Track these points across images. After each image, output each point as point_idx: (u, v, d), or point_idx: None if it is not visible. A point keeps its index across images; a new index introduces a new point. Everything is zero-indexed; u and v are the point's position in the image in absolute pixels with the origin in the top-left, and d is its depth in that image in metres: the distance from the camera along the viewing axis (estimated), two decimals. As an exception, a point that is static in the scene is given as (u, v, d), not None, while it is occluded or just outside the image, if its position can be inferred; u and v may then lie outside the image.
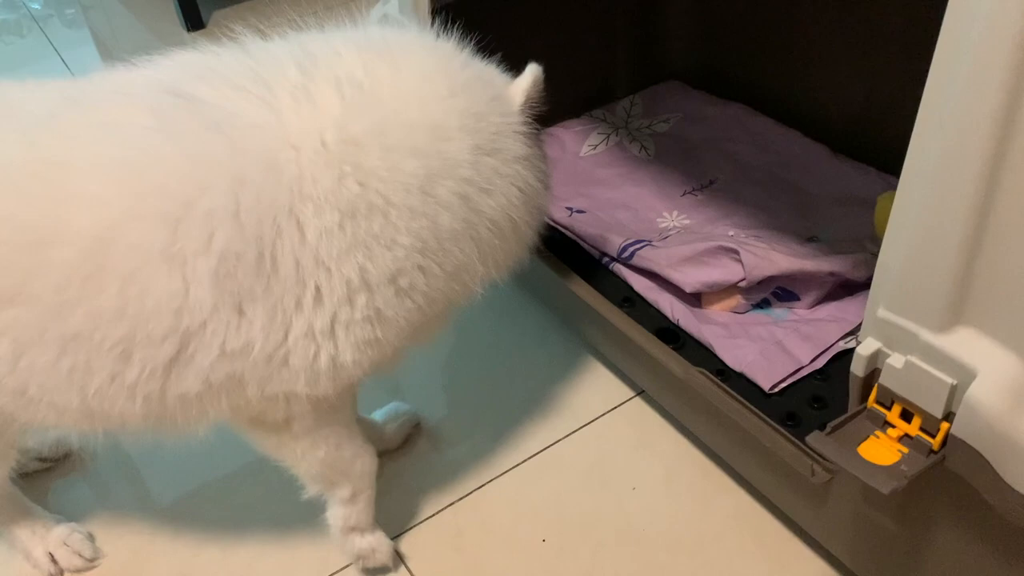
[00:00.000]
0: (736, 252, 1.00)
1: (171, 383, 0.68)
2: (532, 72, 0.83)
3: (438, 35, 0.82)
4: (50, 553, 0.94)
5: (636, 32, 1.39)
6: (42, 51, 2.18)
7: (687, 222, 1.16)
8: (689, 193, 1.21)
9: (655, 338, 0.97)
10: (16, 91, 0.73)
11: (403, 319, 0.73)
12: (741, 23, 1.32)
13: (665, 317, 1.03)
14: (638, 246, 1.07)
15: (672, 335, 1.01)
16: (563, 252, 1.12)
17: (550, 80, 1.33)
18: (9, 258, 0.64)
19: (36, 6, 2.51)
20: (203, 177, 0.65)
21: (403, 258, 0.70)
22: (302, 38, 0.76)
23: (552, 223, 1.18)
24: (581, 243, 1.14)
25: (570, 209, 1.19)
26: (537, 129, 0.84)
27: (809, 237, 1.09)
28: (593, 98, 1.40)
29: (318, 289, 0.68)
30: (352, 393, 0.88)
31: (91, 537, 0.97)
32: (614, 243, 1.09)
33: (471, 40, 1.03)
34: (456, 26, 1.11)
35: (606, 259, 1.11)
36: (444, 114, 0.73)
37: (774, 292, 1.03)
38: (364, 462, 0.86)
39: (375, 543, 0.91)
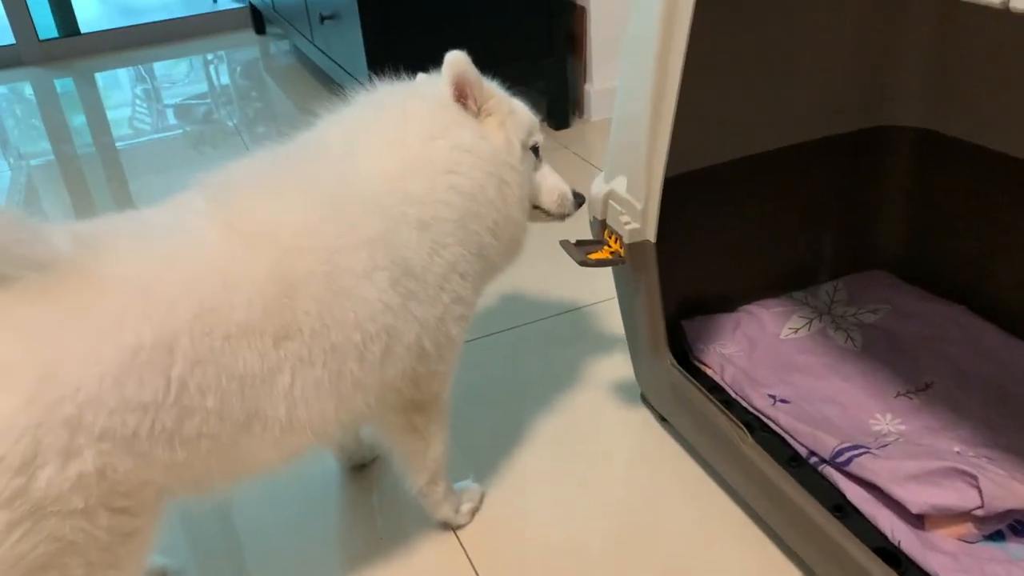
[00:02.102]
0: (973, 476, 0.92)
1: (384, 370, 0.88)
2: (449, 70, 0.96)
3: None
4: None
5: (845, 215, 1.36)
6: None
7: (903, 428, 1.09)
8: (903, 395, 1.14)
9: (880, 561, 0.89)
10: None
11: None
12: (963, 216, 1.27)
13: (883, 535, 0.95)
14: (856, 452, 1.00)
15: (891, 557, 0.92)
16: (766, 443, 1.06)
17: (750, 256, 1.32)
18: (277, 306, 0.79)
19: (231, 122, 2.69)
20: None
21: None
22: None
23: (754, 410, 1.13)
24: (787, 437, 1.08)
25: (773, 397, 1.14)
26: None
27: (1045, 464, 1.00)
28: (793, 278, 1.36)
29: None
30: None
31: None
32: (827, 444, 1.02)
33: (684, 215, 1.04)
34: (677, 199, 1.11)
35: (814, 459, 1.04)
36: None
37: (1011, 525, 0.93)
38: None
39: (458, 495, 1.11)
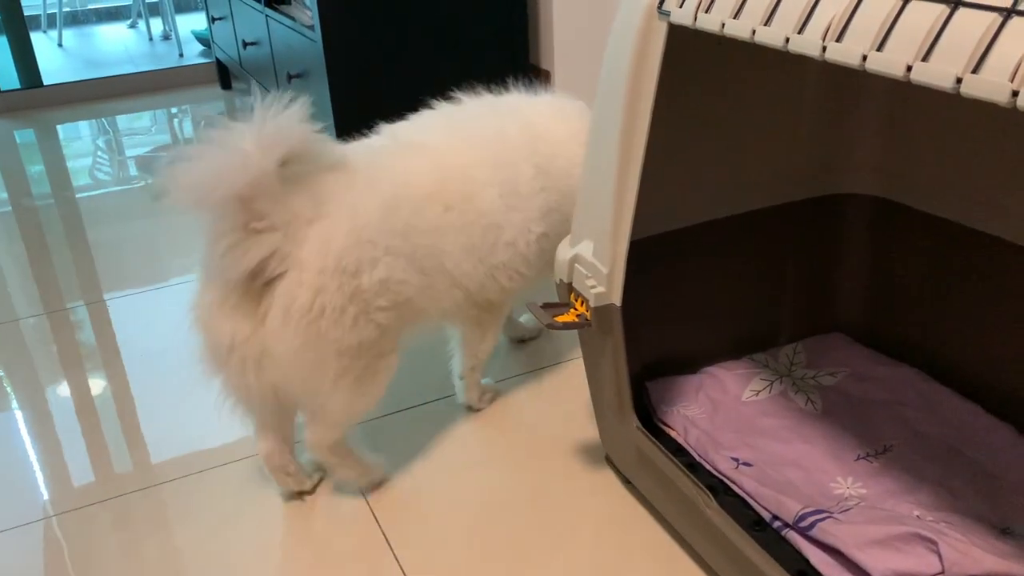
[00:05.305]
0: (933, 542, 0.93)
1: (495, 254, 1.26)
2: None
3: None
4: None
5: (803, 279, 1.39)
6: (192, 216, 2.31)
7: (863, 491, 1.10)
8: (863, 459, 1.15)
9: (845, 628, 0.89)
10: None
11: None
12: (917, 282, 1.30)
13: (847, 600, 0.95)
14: (818, 517, 1.01)
15: (855, 623, 0.93)
16: (730, 507, 1.06)
17: (712, 318, 1.34)
18: (438, 187, 1.19)
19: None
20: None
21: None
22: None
23: (717, 473, 1.13)
24: (750, 500, 1.08)
25: (736, 460, 1.14)
26: None
27: (1003, 529, 1.01)
28: (754, 341, 1.38)
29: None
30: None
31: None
32: (790, 508, 1.03)
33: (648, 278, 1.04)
34: (641, 263, 1.13)
35: (778, 523, 1.04)
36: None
37: (971, 590, 0.94)
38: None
39: (484, 388, 1.47)
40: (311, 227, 1.06)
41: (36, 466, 1.37)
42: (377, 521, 1.21)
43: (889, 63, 0.66)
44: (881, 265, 1.35)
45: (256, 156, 1.00)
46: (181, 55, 4.25)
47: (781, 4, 0.77)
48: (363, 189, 1.11)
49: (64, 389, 1.58)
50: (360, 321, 1.09)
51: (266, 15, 2.54)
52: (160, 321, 1.79)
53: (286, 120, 1.03)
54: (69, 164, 2.86)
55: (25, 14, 3.48)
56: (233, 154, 1.00)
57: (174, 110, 3.41)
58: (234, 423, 1.43)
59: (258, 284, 1.06)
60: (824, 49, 0.72)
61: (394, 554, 1.15)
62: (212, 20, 3.36)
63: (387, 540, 1.17)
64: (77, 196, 2.56)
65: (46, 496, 1.30)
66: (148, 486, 1.30)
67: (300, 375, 1.09)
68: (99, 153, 2.98)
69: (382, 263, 1.10)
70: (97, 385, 1.58)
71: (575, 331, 1.19)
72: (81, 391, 1.57)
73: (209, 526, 1.22)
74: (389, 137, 1.26)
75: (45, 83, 3.50)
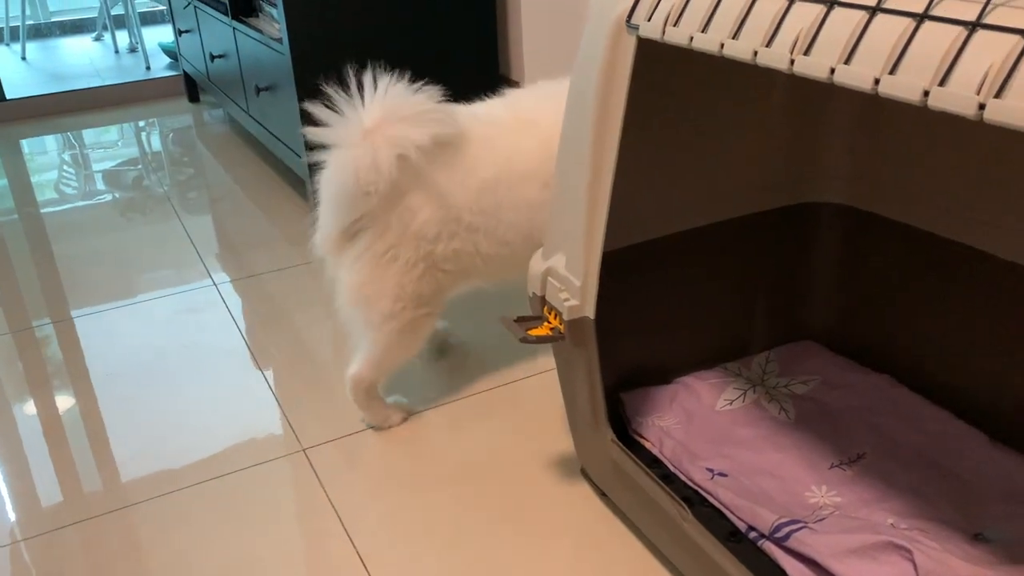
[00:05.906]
0: (908, 551, 0.93)
1: (534, 219, 1.31)
2: None
3: None
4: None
5: (775, 287, 1.39)
6: (160, 230, 2.29)
7: (838, 500, 1.10)
8: (837, 467, 1.16)
9: (822, 639, 0.89)
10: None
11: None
12: (888, 290, 1.31)
13: (823, 610, 0.95)
14: (794, 527, 1.01)
15: (832, 633, 0.93)
16: (706, 518, 1.06)
17: (685, 328, 1.34)
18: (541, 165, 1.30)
19: (162, 189, 2.66)
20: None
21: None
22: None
23: (693, 484, 1.13)
24: (725, 511, 1.08)
25: (711, 471, 1.14)
26: None
27: (975, 534, 1.02)
28: (727, 350, 1.39)
29: None
30: None
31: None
32: (766, 519, 1.03)
33: (621, 289, 1.04)
34: (614, 273, 1.13)
35: (754, 534, 1.04)
36: None
37: (945, 597, 0.94)
38: None
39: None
40: (403, 198, 1.24)
41: (3, 488, 1.34)
42: (352, 541, 1.19)
43: (857, 76, 0.67)
44: (852, 273, 1.36)
45: (383, 156, 1.19)
46: (148, 68, 4.21)
47: (749, 18, 0.78)
48: (462, 170, 1.26)
49: (31, 408, 1.55)
50: (426, 275, 1.29)
51: (234, 28, 2.52)
52: (128, 338, 1.77)
53: (412, 116, 1.21)
54: (34, 179, 2.82)
55: (-13, 27, 3.43)
56: (365, 159, 1.19)
57: (141, 123, 3.38)
58: (204, 442, 1.41)
59: (354, 228, 1.27)
60: (792, 62, 0.73)
61: (368, 574, 1.14)
62: (179, 33, 3.33)
63: (361, 559, 1.16)
64: (42, 211, 2.52)
65: (13, 519, 1.27)
66: (118, 508, 1.28)
67: (355, 302, 1.30)
68: (65, 167, 2.93)
69: (459, 237, 1.28)
70: (65, 404, 1.55)
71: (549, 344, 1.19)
72: (48, 411, 1.54)
73: (180, 548, 1.20)
74: (509, 108, 1.36)
75: (8, 97, 3.45)
